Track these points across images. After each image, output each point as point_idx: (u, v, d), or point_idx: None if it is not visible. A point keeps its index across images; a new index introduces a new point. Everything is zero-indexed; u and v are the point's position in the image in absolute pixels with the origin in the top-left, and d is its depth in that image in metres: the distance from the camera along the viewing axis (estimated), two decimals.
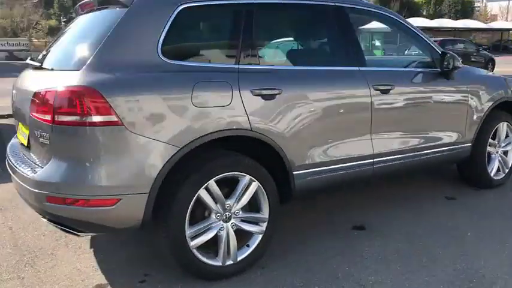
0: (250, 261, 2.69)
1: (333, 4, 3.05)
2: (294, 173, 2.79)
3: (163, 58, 2.40)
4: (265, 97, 2.60)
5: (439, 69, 3.51)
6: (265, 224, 2.71)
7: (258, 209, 2.71)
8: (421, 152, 3.47)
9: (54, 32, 48.65)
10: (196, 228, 2.49)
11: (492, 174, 4.08)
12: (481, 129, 3.86)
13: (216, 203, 2.52)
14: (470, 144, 3.82)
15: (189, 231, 2.44)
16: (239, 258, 2.63)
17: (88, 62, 2.27)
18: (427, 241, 3.06)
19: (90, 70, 2.25)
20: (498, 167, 4.12)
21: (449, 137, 3.64)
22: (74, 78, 2.23)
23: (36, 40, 45.77)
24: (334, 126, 2.95)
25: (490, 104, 3.86)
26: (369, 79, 3.08)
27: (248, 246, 2.69)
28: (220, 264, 2.57)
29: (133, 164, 2.25)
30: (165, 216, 2.41)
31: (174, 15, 2.47)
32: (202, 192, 2.45)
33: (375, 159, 3.18)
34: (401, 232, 3.21)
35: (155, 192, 2.30)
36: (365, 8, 3.29)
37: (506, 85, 4.06)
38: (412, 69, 3.63)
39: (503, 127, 4.09)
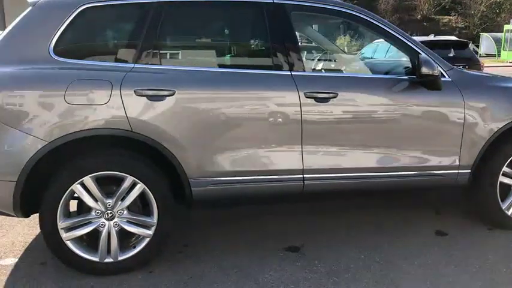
0: (136, 263, 2.67)
1: (264, 2, 2.77)
2: (191, 179, 2.66)
3: (53, 56, 2.53)
4: (152, 98, 2.53)
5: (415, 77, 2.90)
6: (153, 229, 2.65)
7: (149, 213, 2.66)
8: (382, 174, 2.93)
9: None
10: (72, 221, 2.57)
11: (510, 213, 3.23)
12: (488, 154, 3.08)
13: (96, 200, 2.56)
14: (468, 171, 3.08)
15: (62, 223, 2.53)
16: (121, 258, 2.63)
17: None
18: (348, 278, 2.60)
19: None
20: None
21: (429, 159, 2.99)
22: None
23: None
24: (247, 134, 2.71)
25: (501, 124, 3.04)
26: (301, 85, 2.73)
27: (134, 247, 2.67)
28: (98, 260, 2.60)
29: (2, 153, 2.43)
30: (40, 206, 2.55)
31: (72, 16, 2.57)
32: (77, 188, 2.51)
33: (305, 175, 2.81)
34: (334, 263, 2.77)
35: (22, 181, 2.44)
36: (312, 5, 2.89)
37: None
38: (374, 75, 3.09)
39: None
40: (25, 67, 2.49)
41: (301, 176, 2.81)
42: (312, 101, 2.74)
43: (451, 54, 8.55)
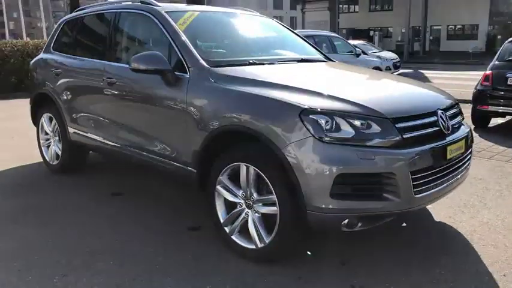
0: None
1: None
2: (68, 126, 4.31)
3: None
4: (56, 73, 4.38)
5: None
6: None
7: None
8: (131, 149, 3.60)
9: None
10: None
11: (230, 230, 2.84)
12: (209, 158, 2.93)
13: None
14: (194, 170, 3.02)
15: None
16: None
17: None
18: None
19: None
20: (255, 230, 2.72)
21: (162, 148, 3.28)
22: None
23: None
24: (85, 104, 4.07)
25: (212, 127, 2.84)
26: (106, 72, 3.76)
27: None
28: None
29: None
30: None
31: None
32: None
33: (106, 141, 3.87)
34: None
35: None
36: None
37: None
38: (126, 65, 3.49)
39: (253, 174, 2.67)
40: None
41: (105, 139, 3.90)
42: (107, 84, 3.73)
43: None
